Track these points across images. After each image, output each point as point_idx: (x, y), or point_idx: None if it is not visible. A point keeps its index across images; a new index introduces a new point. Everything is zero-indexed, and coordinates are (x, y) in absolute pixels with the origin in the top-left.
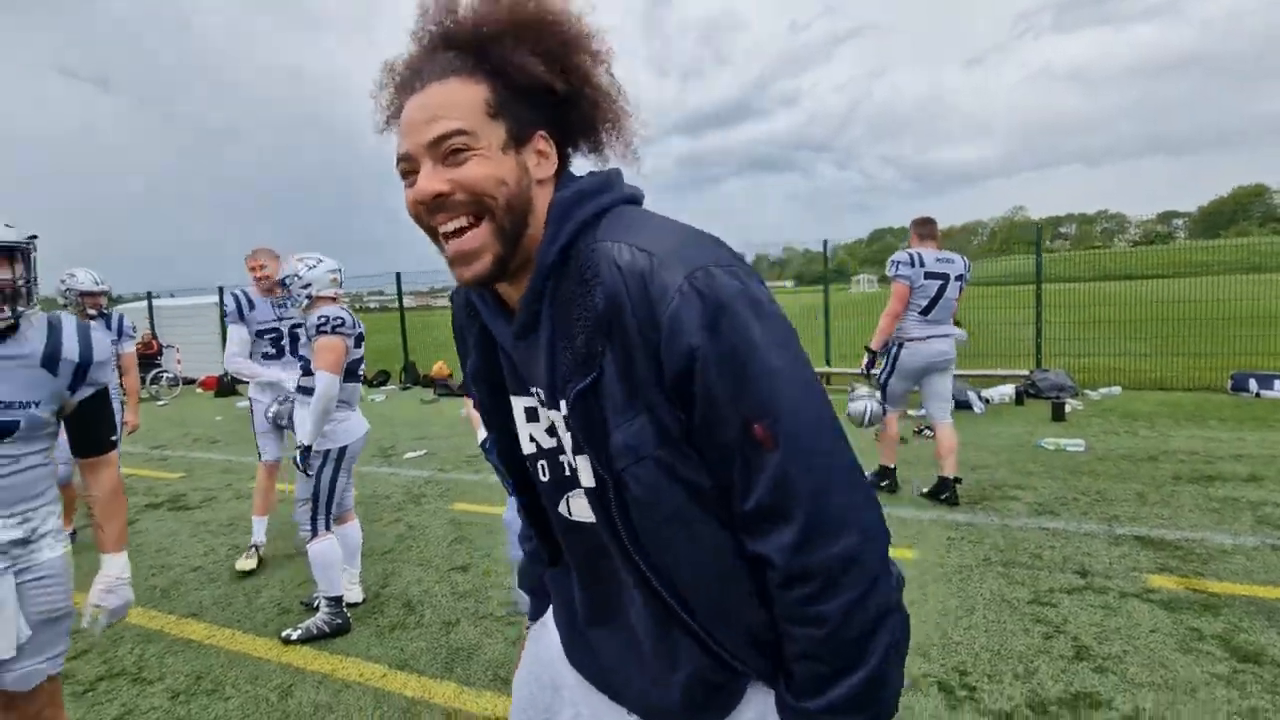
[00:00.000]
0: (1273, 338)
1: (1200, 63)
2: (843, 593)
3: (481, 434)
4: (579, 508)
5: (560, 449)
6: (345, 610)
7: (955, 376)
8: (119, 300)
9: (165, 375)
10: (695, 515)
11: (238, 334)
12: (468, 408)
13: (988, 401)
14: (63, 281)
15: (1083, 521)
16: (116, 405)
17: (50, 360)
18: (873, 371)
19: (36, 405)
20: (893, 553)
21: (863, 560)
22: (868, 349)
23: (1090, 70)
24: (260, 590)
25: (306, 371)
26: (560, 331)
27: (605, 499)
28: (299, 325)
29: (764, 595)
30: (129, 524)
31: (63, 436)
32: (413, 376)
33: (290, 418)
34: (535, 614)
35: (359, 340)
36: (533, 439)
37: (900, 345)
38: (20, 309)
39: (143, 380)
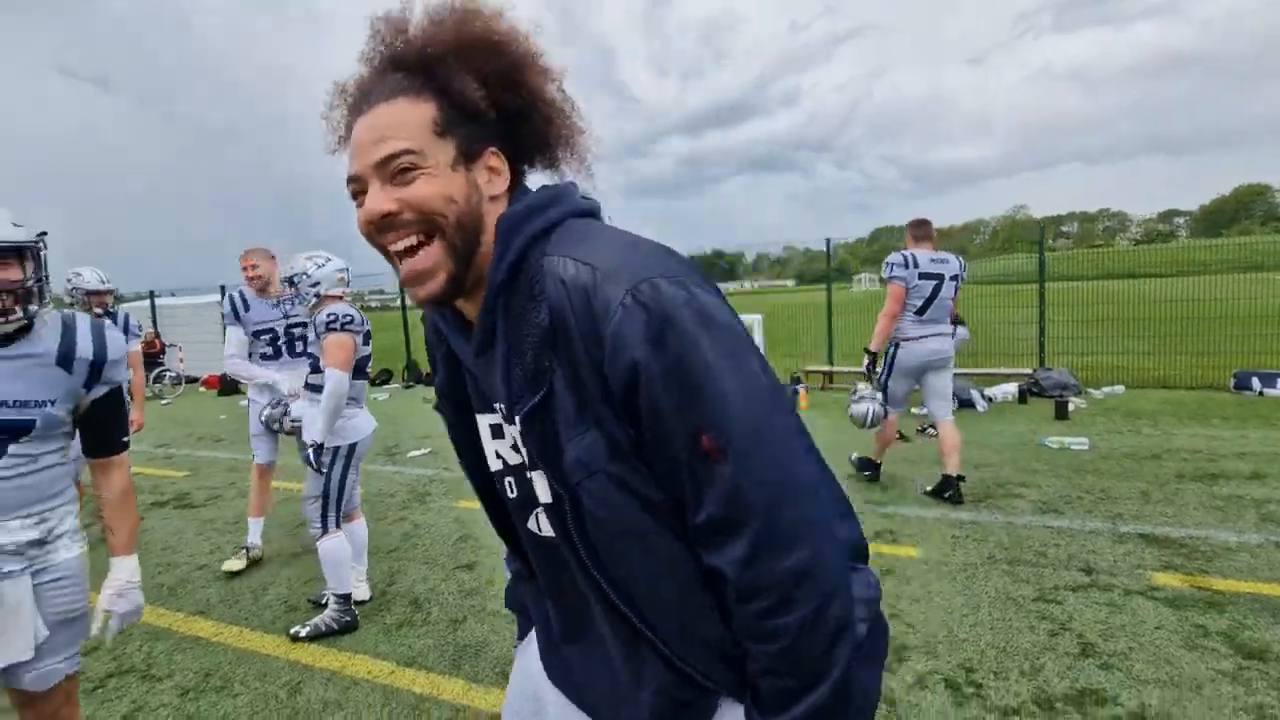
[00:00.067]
0: (1275, 336)
1: (1200, 62)
2: (798, 607)
3: None
4: (545, 523)
5: (524, 465)
6: (353, 608)
7: (959, 375)
8: (121, 299)
9: (168, 374)
10: (650, 529)
11: (234, 335)
12: None
13: (991, 400)
14: (69, 280)
15: (1087, 519)
16: None
17: (65, 358)
18: (874, 372)
19: (52, 404)
20: (897, 551)
21: (815, 575)
22: (867, 351)
23: (1090, 70)
24: (267, 588)
25: (315, 369)
26: (514, 348)
27: (562, 514)
28: (295, 325)
29: (725, 610)
30: None
31: None
32: (415, 375)
33: (282, 421)
34: (522, 632)
35: (367, 338)
36: (499, 455)
37: (897, 345)
38: (33, 308)
39: (146, 379)
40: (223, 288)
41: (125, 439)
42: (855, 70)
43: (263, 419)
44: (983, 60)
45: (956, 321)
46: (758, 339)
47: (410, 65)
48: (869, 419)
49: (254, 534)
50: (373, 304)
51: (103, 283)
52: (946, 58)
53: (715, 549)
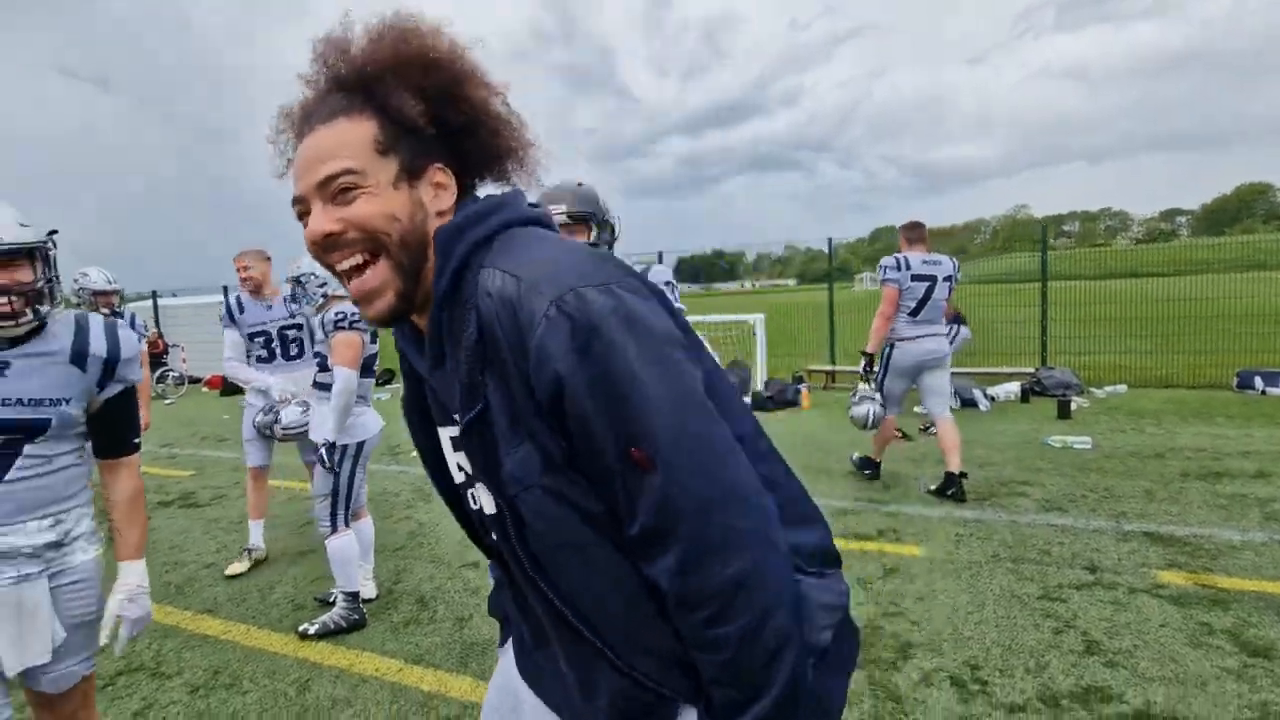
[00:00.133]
0: (1278, 335)
1: (1201, 61)
2: (739, 617)
3: None
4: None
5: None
6: (361, 606)
7: (961, 375)
8: (124, 300)
9: (171, 374)
10: (590, 541)
11: (231, 338)
12: None
13: (993, 399)
14: (75, 281)
15: (1091, 518)
16: None
17: (79, 356)
18: (871, 373)
19: (67, 402)
20: (900, 549)
21: (750, 585)
22: (863, 353)
23: (1091, 69)
24: (274, 586)
25: (324, 368)
26: (456, 361)
27: (505, 526)
28: (288, 327)
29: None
30: None
31: None
32: None
33: (273, 428)
34: (503, 639)
35: (374, 336)
36: (460, 467)
37: (892, 346)
38: (44, 309)
39: (150, 379)
40: (225, 288)
41: (137, 440)
42: (855, 70)
43: (256, 423)
44: (983, 60)
45: (959, 321)
46: (758, 339)
47: (350, 85)
48: (869, 420)
49: (255, 536)
50: None
51: (109, 283)
52: (947, 57)
53: (650, 560)
